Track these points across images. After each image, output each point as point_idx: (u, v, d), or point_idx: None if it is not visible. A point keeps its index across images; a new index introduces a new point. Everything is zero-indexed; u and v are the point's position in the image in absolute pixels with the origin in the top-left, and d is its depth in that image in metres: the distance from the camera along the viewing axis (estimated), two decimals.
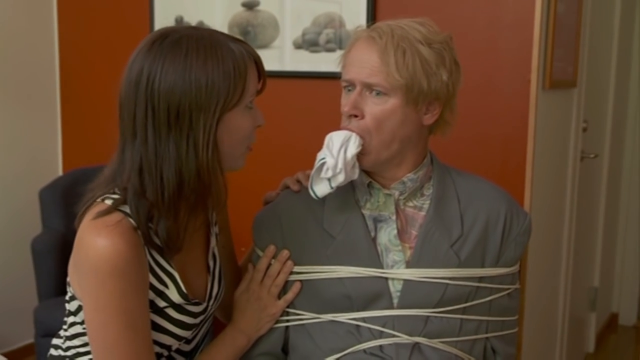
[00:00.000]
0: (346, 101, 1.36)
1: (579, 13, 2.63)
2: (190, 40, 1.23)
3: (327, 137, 1.36)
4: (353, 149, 1.33)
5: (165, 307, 1.30)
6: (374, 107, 1.33)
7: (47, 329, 2.61)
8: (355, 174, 1.35)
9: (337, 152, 1.33)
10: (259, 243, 1.47)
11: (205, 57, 1.22)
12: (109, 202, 1.25)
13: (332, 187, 1.36)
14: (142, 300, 1.24)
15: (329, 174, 1.33)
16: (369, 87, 1.33)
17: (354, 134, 1.34)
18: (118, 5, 3.14)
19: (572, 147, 2.78)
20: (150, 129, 1.22)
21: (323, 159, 1.34)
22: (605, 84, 3.33)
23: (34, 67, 3.29)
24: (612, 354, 3.55)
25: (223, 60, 1.23)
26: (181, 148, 1.22)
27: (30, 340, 3.08)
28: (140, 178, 1.23)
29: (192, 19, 2.92)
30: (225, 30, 2.83)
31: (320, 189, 1.37)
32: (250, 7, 2.78)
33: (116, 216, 1.22)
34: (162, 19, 2.99)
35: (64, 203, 2.88)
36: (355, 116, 1.34)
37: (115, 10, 3.15)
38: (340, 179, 1.34)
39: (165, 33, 1.26)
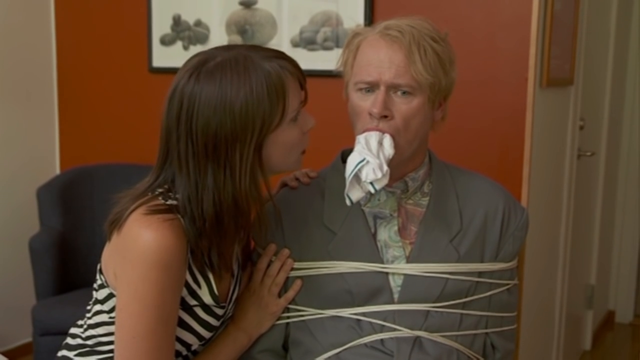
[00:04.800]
0: (370, 102, 1.32)
1: (576, 11, 2.64)
2: (224, 66, 1.24)
3: (362, 139, 1.31)
4: (390, 150, 1.30)
5: (195, 305, 1.31)
6: (402, 106, 1.32)
7: (45, 328, 2.61)
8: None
9: (377, 153, 1.29)
10: (259, 241, 1.47)
11: (239, 84, 1.22)
12: (161, 199, 1.26)
13: (375, 189, 1.28)
14: (177, 296, 1.26)
15: (378, 174, 1.27)
16: (395, 87, 1.32)
17: (387, 135, 1.31)
18: (115, 3, 3.14)
19: (569, 145, 2.78)
20: (192, 162, 1.25)
21: (363, 160, 1.28)
22: (602, 82, 3.34)
23: (32, 66, 3.29)
24: (608, 352, 3.56)
25: (256, 85, 1.22)
26: (218, 178, 1.24)
27: (28, 339, 3.07)
28: (190, 207, 1.25)
29: (189, 18, 2.92)
30: (222, 28, 2.84)
31: (355, 193, 1.32)
32: (247, 5, 2.79)
33: (170, 216, 1.24)
34: (160, 17, 2.99)
35: (61, 202, 2.89)
36: (386, 117, 1.32)
37: (112, 8, 3.15)
38: (385, 181, 1.28)
39: (203, 60, 1.25)
